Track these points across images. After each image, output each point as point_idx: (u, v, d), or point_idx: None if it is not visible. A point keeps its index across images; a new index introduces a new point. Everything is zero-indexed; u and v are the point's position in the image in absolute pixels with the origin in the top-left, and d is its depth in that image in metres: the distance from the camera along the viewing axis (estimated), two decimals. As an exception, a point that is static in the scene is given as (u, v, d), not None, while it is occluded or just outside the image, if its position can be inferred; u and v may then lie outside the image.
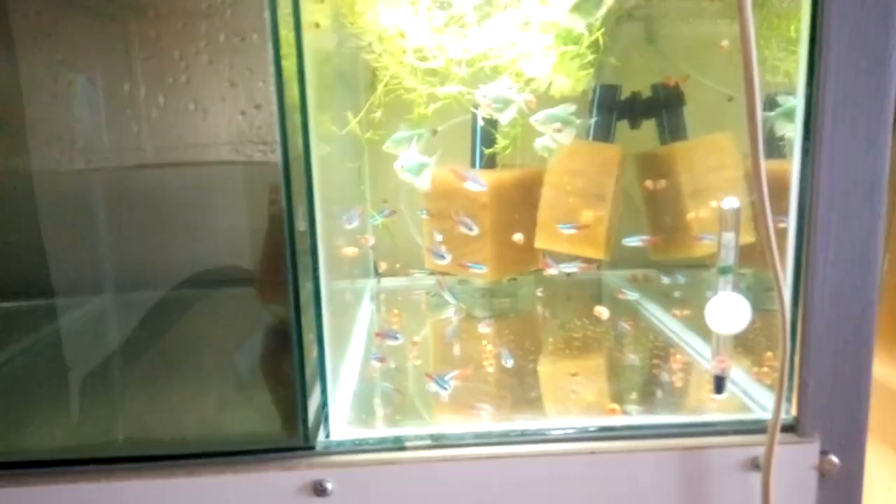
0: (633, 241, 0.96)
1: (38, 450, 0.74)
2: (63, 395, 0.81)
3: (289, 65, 0.68)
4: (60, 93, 0.73)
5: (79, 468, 0.69)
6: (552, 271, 0.96)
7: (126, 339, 0.88)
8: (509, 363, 0.88)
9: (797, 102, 0.71)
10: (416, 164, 0.89)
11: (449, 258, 0.94)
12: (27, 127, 0.75)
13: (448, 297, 1.02)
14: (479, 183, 0.94)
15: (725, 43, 0.79)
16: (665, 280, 1.14)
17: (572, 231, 1.01)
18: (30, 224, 0.84)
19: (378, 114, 0.91)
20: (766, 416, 0.75)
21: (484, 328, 1.04)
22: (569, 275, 0.99)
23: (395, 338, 0.94)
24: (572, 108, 0.87)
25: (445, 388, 0.81)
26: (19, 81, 0.73)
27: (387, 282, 1.21)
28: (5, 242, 0.86)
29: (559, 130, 0.85)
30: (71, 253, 0.83)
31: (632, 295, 1.05)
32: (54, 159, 0.76)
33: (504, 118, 0.89)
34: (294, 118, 0.69)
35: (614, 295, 1.22)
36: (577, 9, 0.83)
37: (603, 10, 0.83)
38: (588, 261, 0.99)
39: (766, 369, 0.84)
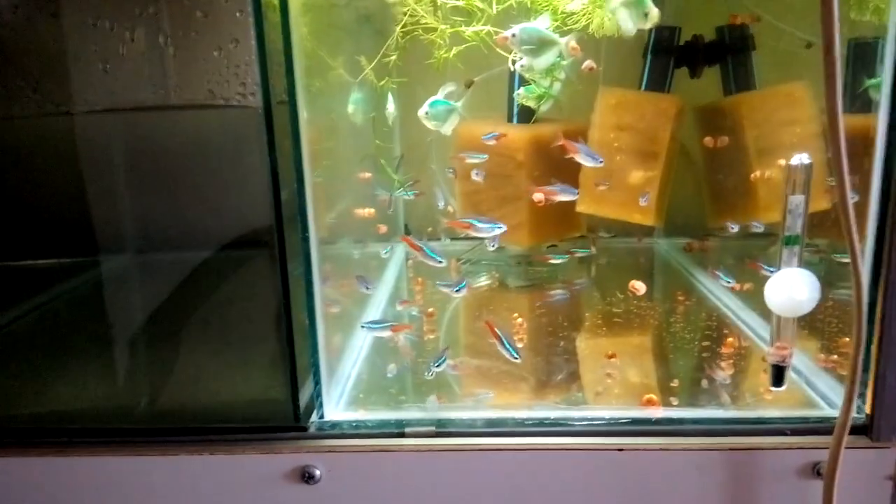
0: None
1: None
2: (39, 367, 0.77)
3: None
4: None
5: (40, 440, 0.64)
6: None
7: (116, 304, 0.83)
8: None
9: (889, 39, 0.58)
10: (442, 110, 0.79)
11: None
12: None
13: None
14: (596, 159, 0.80)
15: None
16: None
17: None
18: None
19: (394, 58, 0.81)
20: (835, 414, 0.63)
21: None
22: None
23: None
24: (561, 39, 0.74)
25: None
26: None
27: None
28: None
29: (534, 52, 0.73)
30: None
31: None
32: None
33: (540, 63, 0.77)
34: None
35: (670, 265, 1.10)
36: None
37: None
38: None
39: (837, 357, 0.72)
